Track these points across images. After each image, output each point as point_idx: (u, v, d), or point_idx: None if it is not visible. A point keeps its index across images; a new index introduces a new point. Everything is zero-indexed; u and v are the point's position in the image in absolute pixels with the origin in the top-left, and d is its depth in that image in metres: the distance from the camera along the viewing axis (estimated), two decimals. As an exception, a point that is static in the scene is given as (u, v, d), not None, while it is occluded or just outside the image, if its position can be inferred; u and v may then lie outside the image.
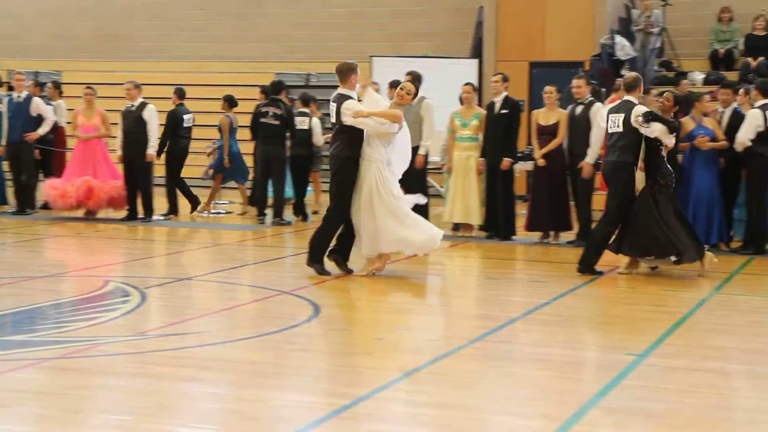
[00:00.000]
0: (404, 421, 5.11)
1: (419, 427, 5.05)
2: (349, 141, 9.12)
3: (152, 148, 13.10)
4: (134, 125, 13.08)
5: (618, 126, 9.42)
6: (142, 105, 13.15)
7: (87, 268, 10.15)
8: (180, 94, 14.02)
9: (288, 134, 13.40)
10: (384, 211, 9.03)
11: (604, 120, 9.83)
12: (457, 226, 12.20)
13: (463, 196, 11.88)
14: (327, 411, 5.19)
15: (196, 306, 8.26)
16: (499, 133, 11.55)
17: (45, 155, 14.21)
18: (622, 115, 9.39)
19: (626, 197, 9.42)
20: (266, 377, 5.91)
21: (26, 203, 13.83)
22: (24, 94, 13.75)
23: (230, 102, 14.33)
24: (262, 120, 13.33)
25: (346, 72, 9.25)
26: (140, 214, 13.24)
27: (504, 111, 11.61)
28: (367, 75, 10.73)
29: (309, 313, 7.70)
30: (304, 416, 5.11)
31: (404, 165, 9.47)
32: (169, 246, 12.03)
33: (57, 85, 15.30)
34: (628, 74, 10.50)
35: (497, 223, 11.74)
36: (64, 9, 21.80)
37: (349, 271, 9.27)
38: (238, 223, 13.84)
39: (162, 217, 13.50)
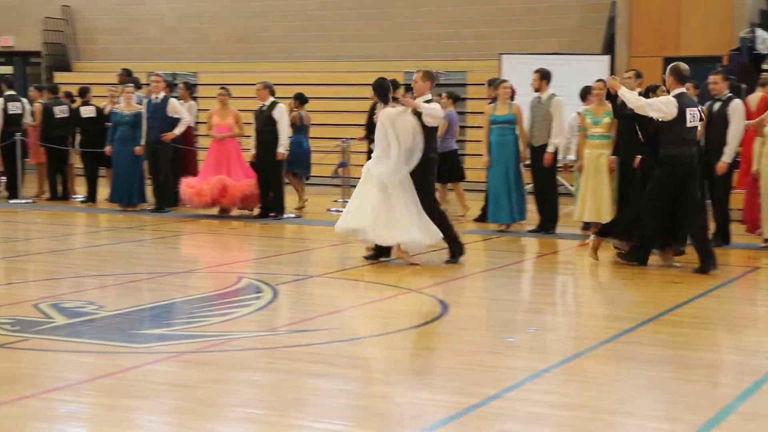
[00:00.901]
0: (532, 421, 5.07)
1: (547, 427, 4.99)
2: None
3: (282, 147, 13.32)
4: (265, 125, 13.33)
5: None
6: (273, 105, 13.40)
7: (221, 264, 10.41)
8: (301, 99, 14.36)
9: None
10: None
11: (743, 117, 9.48)
12: (587, 225, 12.01)
13: (594, 194, 11.68)
14: (455, 410, 5.18)
15: (325, 303, 8.36)
16: (633, 130, 11.28)
17: (176, 154, 14.61)
18: None
19: None
20: (395, 374, 5.95)
21: (164, 201, 14.27)
22: (161, 95, 14.18)
23: (300, 100, 14.66)
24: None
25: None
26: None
27: (637, 108, 11.34)
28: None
29: (437, 312, 7.71)
30: (432, 414, 5.12)
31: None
32: (300, 243, 12.22)
33: (188, 87, 15.74)
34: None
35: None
36: (201, 13, 22.39)
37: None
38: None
39: (293, 215, 13.74)
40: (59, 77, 21.69)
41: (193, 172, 14.40)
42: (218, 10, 22.22)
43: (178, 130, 14.20)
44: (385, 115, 9.76)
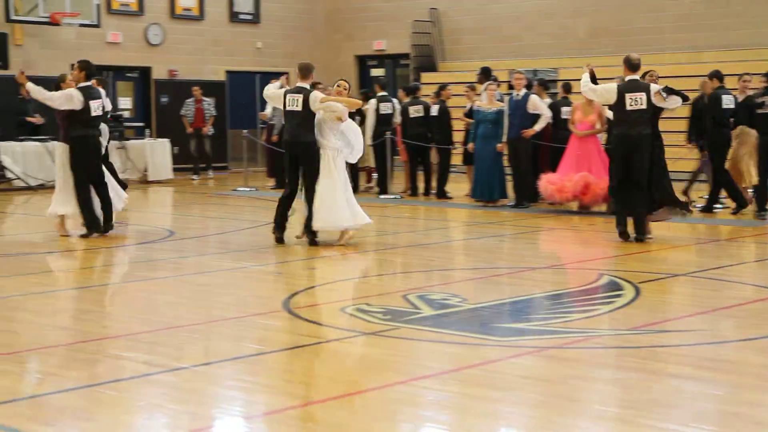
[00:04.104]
0: None
1: None
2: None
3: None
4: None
5: None
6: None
7: (581, 260, 10.34)
8: (718, 76, 13.63)
9: None
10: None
11: None
12: None
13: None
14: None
15: (689, 303, 8.05)
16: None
17: (536, 150, 14.69)
18: None
19: None
20: (768, 382, 5.60)
21: (524, 196, 14.43)
22: (522, 92, 14.34)
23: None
24: (759, 111, 12.68)
25: (310, 70, 11.08)
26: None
27: None
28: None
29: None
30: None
31: (358, 153, 11.14)
32: (661, 241, 11.85)
33: (543, 84, 15.80)
34: None
35: None
36: (563, 8, 22.38)
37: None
38: (732, 219, 13.27)
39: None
40: (426, 77, 22.63)
41: (553, 168, 14.42)
42: (580, 5, 22.09)
43: (538, 126, 14.29)
44: None
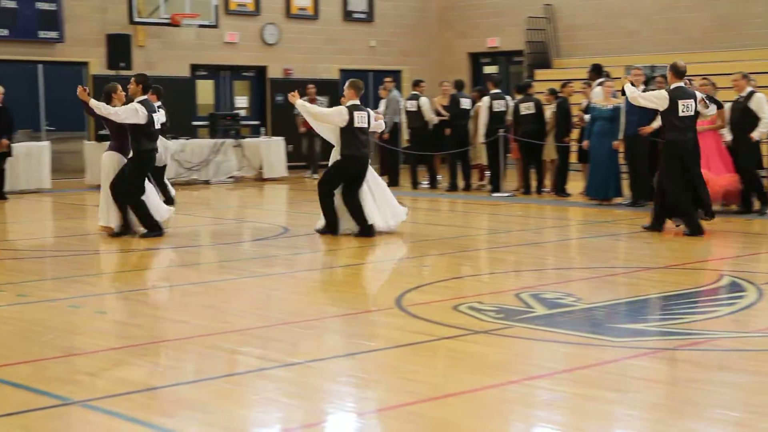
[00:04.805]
0: None
1: None
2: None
3: (759, 133, 12.67)
4: (741, 116, 12.72)
5: None
6: (750, 95, 12.74)
7: (699, 260, 10.09)
8: None
9: None
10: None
11: None
12: None
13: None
14: None
15: (817, 306, 7.76)
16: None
17: (653, 148, 14.37)
18: None
19: None
20: None
21: (640, 195, 14.15)
22: (641, 88, 14.04)
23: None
24: None
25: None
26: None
27: None
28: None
29: None
30: None
31: None
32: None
33: (647, 79, 15.48)
34: None
35: None
36: (680, 1, 21.87)
37: None
38: None
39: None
40: (539, 74, 22.41)
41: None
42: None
43: (656, 124, 13.98)
44: None
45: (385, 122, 18.49)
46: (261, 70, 23.29)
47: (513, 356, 6.21)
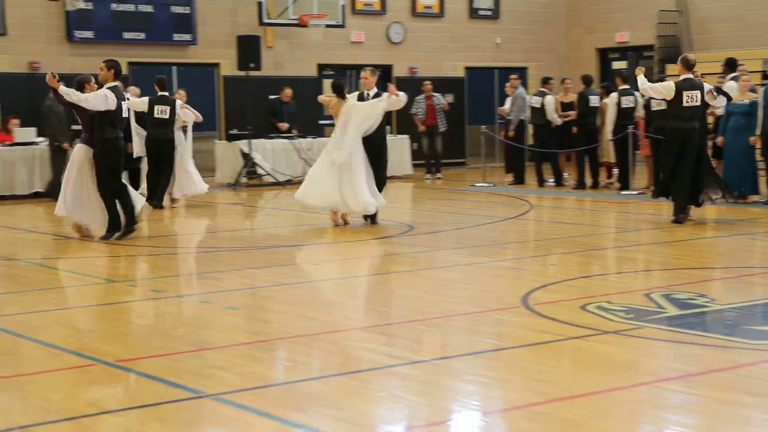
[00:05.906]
0: None
1: None
2: None
3: None
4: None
5: None
6: None
7: (842, 261, 9.66)
8: None
9: None
10: None
11: None
12: None
13: None
14: None
15: None
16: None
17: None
18: None
19: None
20: None
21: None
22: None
23: None
24: None
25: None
26: None
27: None
28: None
29: None
30: None
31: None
32: None
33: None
34: None
35: None
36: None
37: None
38: None
39: None
40: (671, 69, 21.84)
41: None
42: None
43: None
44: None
45: (510, 119, 18.48)
46: (386, 69, 23.42)
47: (643, 357, 6.07)
